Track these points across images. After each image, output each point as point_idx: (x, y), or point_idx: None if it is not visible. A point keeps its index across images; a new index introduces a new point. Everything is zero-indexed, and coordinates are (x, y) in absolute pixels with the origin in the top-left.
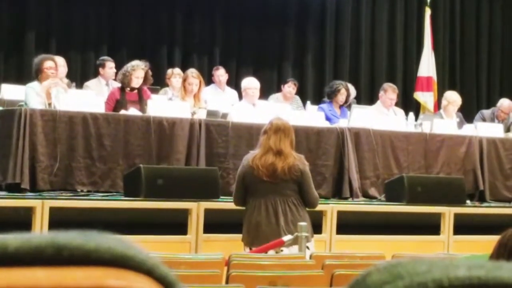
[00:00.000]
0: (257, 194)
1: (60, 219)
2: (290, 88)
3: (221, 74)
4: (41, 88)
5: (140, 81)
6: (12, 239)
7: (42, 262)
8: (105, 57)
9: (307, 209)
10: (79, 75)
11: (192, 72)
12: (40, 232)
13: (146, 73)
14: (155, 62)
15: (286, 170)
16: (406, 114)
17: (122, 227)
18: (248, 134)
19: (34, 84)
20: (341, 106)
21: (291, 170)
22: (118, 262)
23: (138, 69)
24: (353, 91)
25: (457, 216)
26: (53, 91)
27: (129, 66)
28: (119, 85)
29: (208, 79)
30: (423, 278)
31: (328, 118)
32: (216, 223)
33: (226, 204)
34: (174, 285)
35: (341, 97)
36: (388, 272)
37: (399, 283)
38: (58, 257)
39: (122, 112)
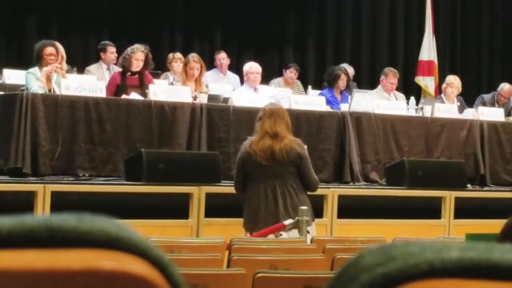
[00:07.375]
0: (256, 180)
1: (62, 204)
2: (292, 73)
3: (222, 57)
4: (42, 73)
5: (141, 63)
6: (5, 221)
7: (35, 244)
8: (106, 42)
9: (308, 192)
10: (80, 60)
11: (193, 56)
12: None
13: (146, 57)
14: (156, 47)
15: (284, 152)
16: (407, 98)
17: (123, 212)
18: (249, 119)
19: (34, 70)
20: (342, 91)
21: (289, 152)
22: (111, 244)
23: (137, 52)
24: (350, 71)
25: (457, 200)
26: (53, 77)
27: (129, 49)
28: (120, 69)
29: (210, 64)
30: (416, 260)
31: (329, 104)
32: (217, 207)
33: (227, 188)
34: (168, 266)
35: (341, 83)
36: (381, 254)
37: (392, 265)
38: (51, 239)
39: (123, 96)
